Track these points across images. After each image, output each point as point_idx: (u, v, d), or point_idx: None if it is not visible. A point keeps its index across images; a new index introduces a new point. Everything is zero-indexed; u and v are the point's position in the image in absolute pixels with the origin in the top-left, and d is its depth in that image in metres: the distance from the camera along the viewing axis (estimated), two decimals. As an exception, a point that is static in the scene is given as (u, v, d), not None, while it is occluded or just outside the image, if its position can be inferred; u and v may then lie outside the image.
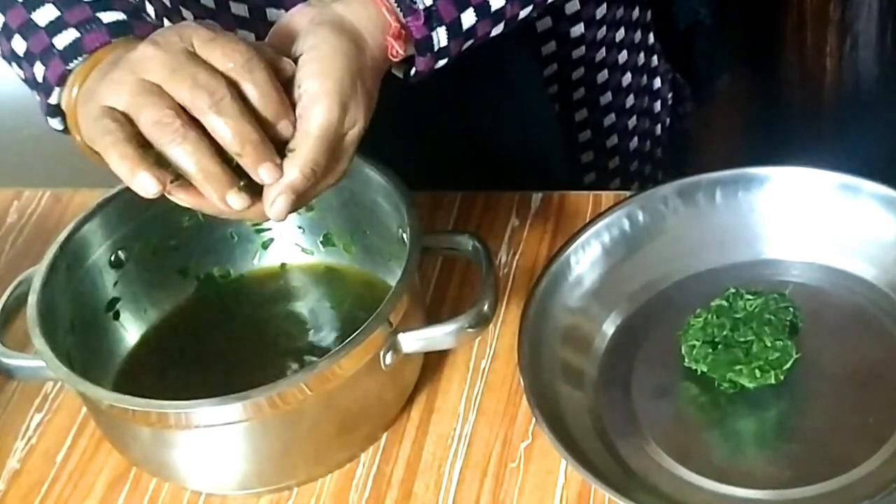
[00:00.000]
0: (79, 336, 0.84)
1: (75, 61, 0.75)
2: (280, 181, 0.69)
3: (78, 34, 0.75)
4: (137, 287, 0.89)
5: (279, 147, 0.70)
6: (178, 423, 0.75)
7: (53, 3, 0.77)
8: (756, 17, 1.59)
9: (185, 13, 0.96)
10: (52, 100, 0.76)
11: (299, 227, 0.93)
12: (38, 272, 0.82)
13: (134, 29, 0.76)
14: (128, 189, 0.86)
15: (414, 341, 0.79)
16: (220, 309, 0.92)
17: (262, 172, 0.69)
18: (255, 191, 0.70)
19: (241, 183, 0.69)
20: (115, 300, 0.88)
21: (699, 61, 1.17)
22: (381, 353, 0.78)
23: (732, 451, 0.81)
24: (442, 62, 0.79)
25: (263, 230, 0.93)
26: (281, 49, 0.73)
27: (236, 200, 0.69)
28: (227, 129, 0.67)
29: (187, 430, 0.75)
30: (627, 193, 0.93)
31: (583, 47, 1.04)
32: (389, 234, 0.87)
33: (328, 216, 0.92)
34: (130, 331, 0.89)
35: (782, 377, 0.81)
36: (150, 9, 1.00)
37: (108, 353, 0.88)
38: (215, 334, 0.90)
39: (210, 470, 0.80)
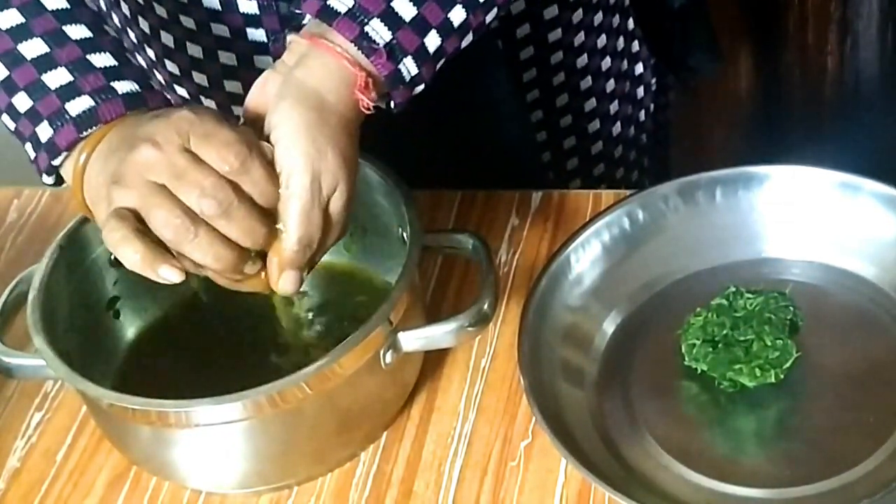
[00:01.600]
0: (79, 335, 0.84)
1: (89, 130, 0.75)
2: (276, 262, 0.73)
3: (93, 103, 0.76)
4: (137, 286, 0.89)
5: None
6: (179, 421, 0.75)
7: (66, 68, 0.77)
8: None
9: (142, 22, 0.98)
10: (56, 162, 0.77)
11: (299, 226, 0.93)
12: (38, 271, 0.82)
13: (147, 101, 0.77)
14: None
15: (414, 340, 0.79)
16: (220, 308, 0.92)
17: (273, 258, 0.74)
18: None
19: (252, 253, 0.73)
20: (116, 299, 0.88)
21: (676, 45, 1.17)
22: (381, 352, 0.78)
23: (732, 449, 0.81)
24: (419, 88, 0.78)
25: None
26: (255, 127, 0.74)
27: (251, 269, 0.73)
28: (238, 231, 0.71)
29: (187, 429, 0.75)
30: (627, 192, 0.93)
31: (559, 30, 1.03)
32: (389, 232, 0.87)
33: (328, 215, 0.91)
34: (130, 329, 0.90)
35: (782, 376, 0.81)
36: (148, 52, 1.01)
37: (108, 351, 0.88)
38: (215, 333, 0.90)
39: (210, 469, 0.80)
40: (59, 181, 0.79)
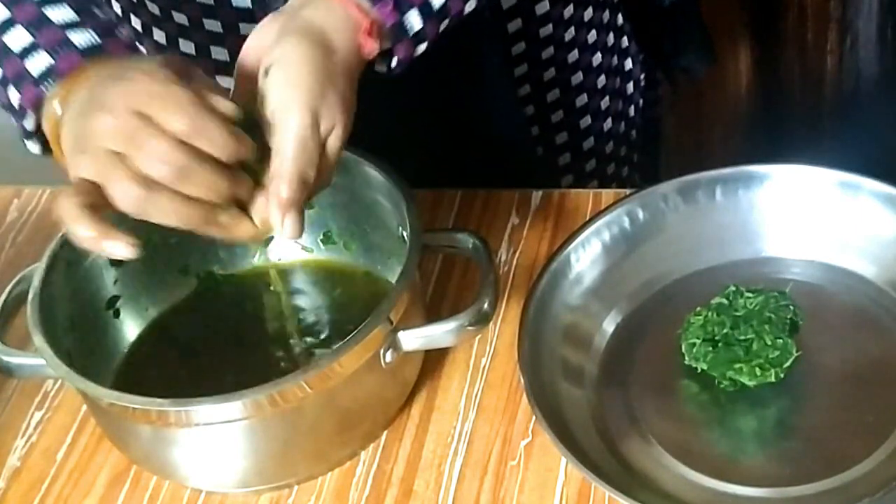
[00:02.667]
0: (79, 334, 0.84)
1: (49, 85, 0.75)
2: (274, 202, 0.71)
3: (50, 59, 0.75)
4: (137, 285, 0.89)
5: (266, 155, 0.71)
6: (179, 421, 0.75)
7: (24, 26, 0.77)
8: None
9: (157, 34, 0.97)
10: (28, 125, 0.76)
11: (299, 225, 0.93)
12: (38, 270, 0.82)
13: (106, 49, 0.76)
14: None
15: (414, 339, 0.79)
16: (221, 307, 0.92)
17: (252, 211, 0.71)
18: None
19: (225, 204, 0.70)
20: (116, 298, 0.88)
21: (667, 44, 1.17)
22: (382, 351, 0.78)
23: (732, 449, 0.81)
24: (422, 47, 0.78)
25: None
26: (251, 65, 0.73)
27: (226, 218, 0.71)
28: (200, 190, 0.69)
29: (187, 428, 0.75)
30: (627, 192, 0.93)
31: (550, 25, 1.04)
32: (389, 231, 0.87)
33: (328, 214, 0.92)
34: (130, 329, 0.89)
35: (782, 375, 0.81)
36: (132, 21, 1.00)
37: (108, 351, 0.88)
38: (215, 332, 0.90)
39: (210, 468, 0.80)
40: (47, 149, 0.78)
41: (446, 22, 0.79)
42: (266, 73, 0.72)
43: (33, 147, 0.78)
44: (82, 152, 0.70)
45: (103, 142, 0.69)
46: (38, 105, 0.76)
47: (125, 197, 0.68)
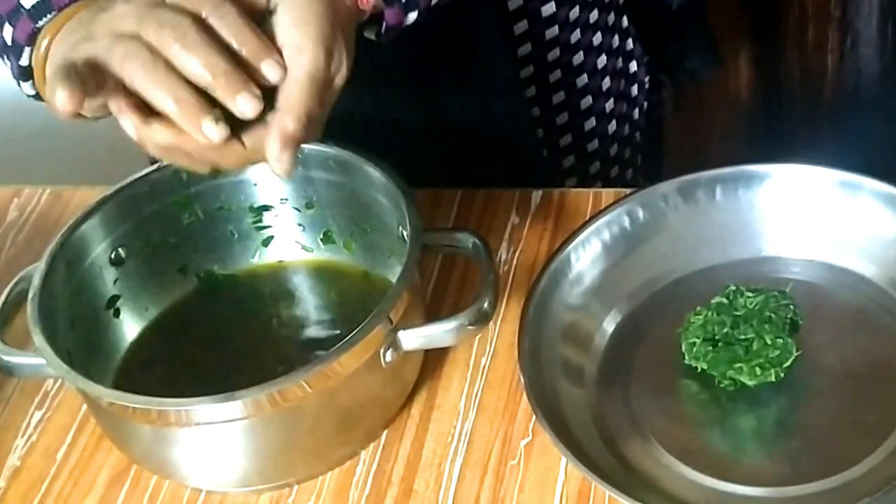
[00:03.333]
0: (79, 333, 0.84)
1: (44, 19, 0.74)
2: (277, 133, 0.68)
3: None
4: (137, 284, 0.89)
5: (267, 96, 0.69)
6: (179, 420, 0.75)
7: None
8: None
9: None
10: (23, 61, 0.75)
11: (299, 225, 0.93)
12: (38, 270, 0.82)
13: None
14: (128, 187, 0.87)
15: (414, 338, 0.79)
16: (221, 306, 0.92)
17: (239, 103, 0.67)
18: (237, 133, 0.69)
19: (219, 112, 0.67)
20: (116, 298, 0.88)
21: (673, 46, 1.17)
22: (382, 351, 0.78)
23: (732, 448, 0.81)
24: (412, 15, 0.77)
25: (264, 227, 0.93)
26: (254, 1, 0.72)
27: (213, 130, 0.67)
28: (193, 59, 0.66)
29: (187, 428, 0.75)
30: (627, 191, 0.93)
31: (556, 27, 1.04)
32: (389, 231, 0.87)
33: (328, 213, 0.92)
34: (130, 328, 0.90)
35: (782, 375, 0.81)
36: None
37: (108, 350, 0.88)
38: (215, 332, 0.90)
39: (210, 467, 0.80)
40: (39, 95, 0.77)
41: None
42: (271, 12, 0.70)
43: (27, 88, 0.77)
44: (91, 39, 0.68)
45: (117, 25, 0.67)
46: (32, 40, 0.74)
47: (125, 56, 0.65)
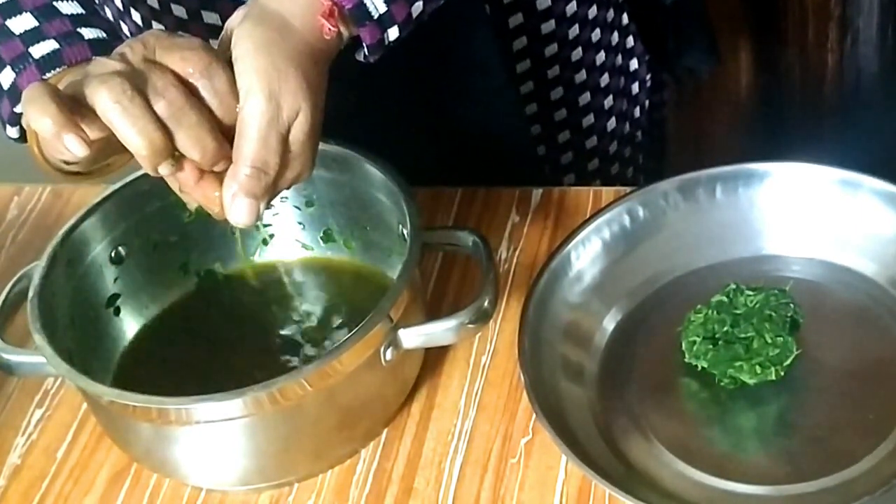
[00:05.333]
0: (79, 332, 0.84)
1: (52, 72, 0.74)
2: (228, 185, 0.69)
3: (58, 46, 0.75)
4: (138, 283, 0.89)
5: None
6: (179, 418, 0.75)
7: (31, 13, 0.76)
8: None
9: (157, 27, 0.96)
10: (18, 108, 0.75)
11: (300, 224, 0.93)
12: (39, 268, 0.82)
13: (112, 47, 0.75)
14: (128, 185, 0.87)
15: (414, 337, 0.79)
16: (221, 305, 0.92)
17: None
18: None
19: (176, 153, 0.68)
20: (116, 296, 0.88)
21: (670, 43, 1.17)
22: (382, 349, 0.78)
23: (733, 446, 0.81)
24: (393, 32, 0.76)
25: (264, 226, 0.93)
26: (225, 55, 0.72)
27: (165, 168, 0.68)
28: (186, 139, 0.67)
29: (188, 426, 0.75)
30: (627, 189, 0.93)
31: (552, 21, 1.03)
32: (390, 229, 0.87)
33: (329, 212, 0.92)
34: (131, 327, 0.90)
35: (783, 373, 0.81)
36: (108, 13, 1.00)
37: (108, 349, 0.88)
38: (216, 330, 0.90)
39: (210, 466, 0.80)
40: (24, 136, 0.77)
41: (419, 4, 0.77)
42: (231, 60, 0.71)
43: (13, 132, 0.77)
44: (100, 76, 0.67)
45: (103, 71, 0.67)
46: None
47: (101, 91, 0.65)
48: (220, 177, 0.70)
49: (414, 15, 0.77)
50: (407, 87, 1.01)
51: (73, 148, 0.65)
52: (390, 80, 0.91)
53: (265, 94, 0.69)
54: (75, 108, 0.65)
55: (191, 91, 0.67)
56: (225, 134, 0.69)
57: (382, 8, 0.74)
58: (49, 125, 0.64)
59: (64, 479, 0.85)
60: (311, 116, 0.70)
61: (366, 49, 0.75)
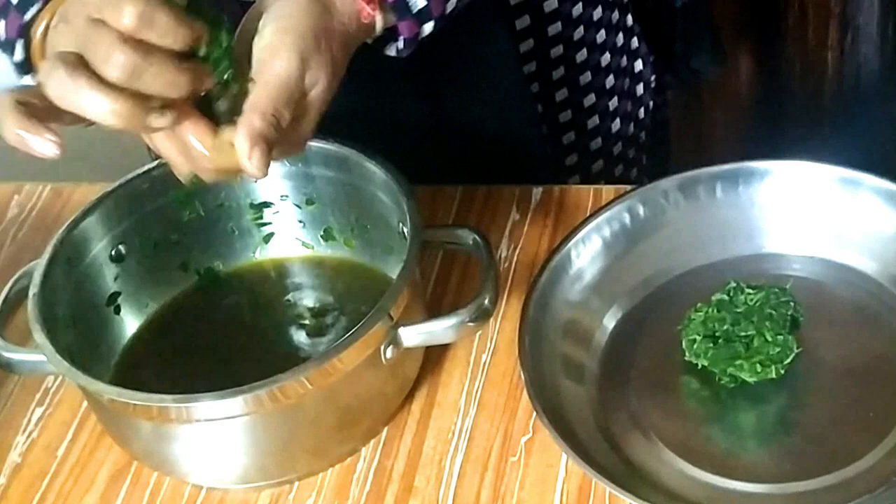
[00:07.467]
0: (79, 330, 0.84)
1: (31, 11, 0.74)
2: (244, 131, 0.68)
3: None
4: (138, 281, 0.89)
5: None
6: (179, 417, 0.75)
7: None
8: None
9: None
10: (16, 56, 0.75)
11: (300, 222, 0.93)
12: (39, 266, 0.82)
13: None
14: (128, 183, 0.87)
15: (415, 335, 0.79)
16: (221, 303, 0.92)
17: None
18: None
19: (159, 105, 0.67)
20: (116, 294, 0.88)
21: (678, 45, 1.17)
22: (382, 347, 0.78)
23: (733, 445, 0.81)
24: (429, 27, 0.77)
25: (264, 224, 0.93)
26: (252, 13, 0.72)
27: (156, 119, 0.68)
28: (157, 89, 0.66)
29: (188, 424, 0.75)
30: (628, 188, 0.93)
31: (559, 23, 1.03)
32: (390, 228, 0.87)
33: (329, 210, 0.92)
34: (131, 325, 0.90)
35: (783, 371, 0.81)
36: None
37: (108, 347, 0.88)
38: (216, 328, 0.90)
39: (211, 464, 0.81)
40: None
41: (453, 0, 0.78)
42: (264, 12, 0.71)
43: (30, 80, 0.77)
44: (45, 61, 0.68)
45: (57, 46, 0.68)
46: (23, 33, 0.74)
47: (62, 96, 0.65)
48: (198, 121, 0.70)
49: (447, 11, 0.77)
50: (413, 87, 1.01)
51: (45, 151, 0.66)
52: (395, 79, 0.91)
53: (300, 55, 0.70)
54: (45, 106, 0.66)
55: (137, 42, 0.66)
56: (186, 56, 0.68)
57: (422, 2, 0.75)
58: (14, 135, 0.65)
59: (64, 477, 0.85)
60: (324, 92, 0.72)
61: (401, 42, 0.76)
